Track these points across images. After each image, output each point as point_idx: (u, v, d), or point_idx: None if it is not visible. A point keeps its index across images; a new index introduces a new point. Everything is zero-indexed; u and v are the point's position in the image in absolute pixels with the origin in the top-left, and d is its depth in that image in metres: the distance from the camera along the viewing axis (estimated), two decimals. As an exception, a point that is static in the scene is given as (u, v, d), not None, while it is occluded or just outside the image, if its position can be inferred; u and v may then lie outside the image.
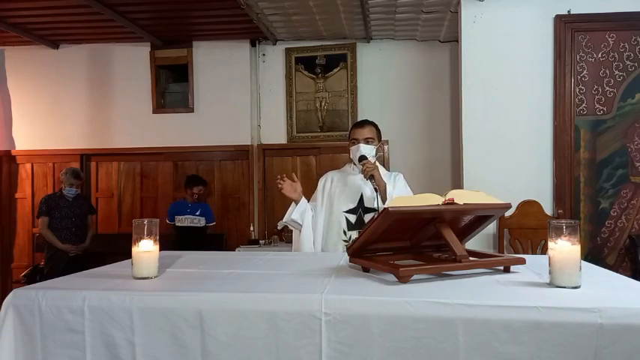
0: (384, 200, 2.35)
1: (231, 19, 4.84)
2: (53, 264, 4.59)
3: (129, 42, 5.51)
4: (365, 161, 2.39)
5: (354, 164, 2.55)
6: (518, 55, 3.97)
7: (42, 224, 4.68)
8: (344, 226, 2.46)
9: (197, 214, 5.04)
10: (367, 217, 2.41)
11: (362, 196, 2.48)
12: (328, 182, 2.59)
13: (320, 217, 2.52)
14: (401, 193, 2.44)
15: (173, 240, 4.80)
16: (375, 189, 2.31)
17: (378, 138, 2.55)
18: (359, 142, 2.48)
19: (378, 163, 2.51)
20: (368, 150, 2.46)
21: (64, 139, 5.65)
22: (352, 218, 2.47)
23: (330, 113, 5.48)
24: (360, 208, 2.48)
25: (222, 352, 1.19)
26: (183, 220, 4.99)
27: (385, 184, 2.40)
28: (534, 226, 3.77)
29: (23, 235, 5.73)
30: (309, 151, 5.56)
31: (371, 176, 2.32)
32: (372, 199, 2.37)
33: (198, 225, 5.03)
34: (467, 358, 1.10)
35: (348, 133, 2.75)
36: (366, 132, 2.52)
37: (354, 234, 2.41)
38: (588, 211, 3.89)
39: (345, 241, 2.43)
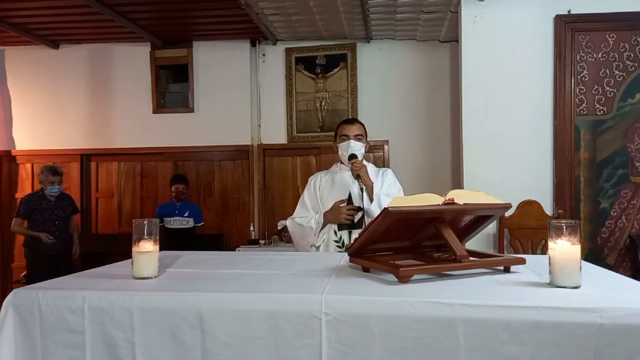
0: (370, 199, 2.37)
1: (231, 19, 4.84)
2: (37, 269, 4.38)
3: (129, 42, 5.51)
4: (354, 160, 2.40)
5: (342, 163, 2.55)
6: (519, 55, 3.97)
7: (15, 224, 4.50)
8: (334, 226, 2.43)
9: (185, 215, 5.03)
10: (357, 217, 2.40)
11: (350, 195, 2.45)
12: (317, 182, 2.57)
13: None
14: (390, 188, 2.47)
15: (162, 242, 4.75)
16: (362, 188, 2.34)
17: (365, 136, 2.55)
18: (349, 139, 2.47)
19: (365, 161, 2.50)
20: (358, 147, 2.46)
21: (64, 139, 5.65)
22: None
23: (330, 113, 5.48)
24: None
25: (222, 352, 1.18)
26: (172, 222, 4.97)
27: (372, 183, 2.41)
28: (534, 226, 3.76)
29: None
30: (309, 151, 5.55)
31: (358, 175, 2.34)
32: (359, 198, 2.38)
33: (187, 226, 5.02)
34: (467, 358, 1.10)
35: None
36: (356, 129, 2.50)
37: (344, 234, 2.40)
38: (588, 211, 3.89)
39: (335, 241, 2.41)
